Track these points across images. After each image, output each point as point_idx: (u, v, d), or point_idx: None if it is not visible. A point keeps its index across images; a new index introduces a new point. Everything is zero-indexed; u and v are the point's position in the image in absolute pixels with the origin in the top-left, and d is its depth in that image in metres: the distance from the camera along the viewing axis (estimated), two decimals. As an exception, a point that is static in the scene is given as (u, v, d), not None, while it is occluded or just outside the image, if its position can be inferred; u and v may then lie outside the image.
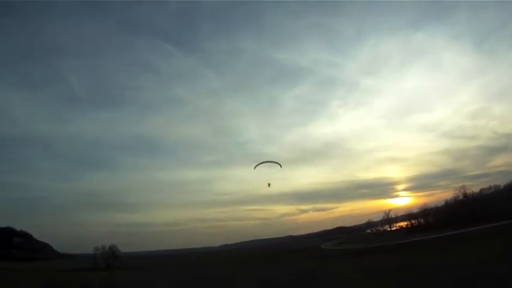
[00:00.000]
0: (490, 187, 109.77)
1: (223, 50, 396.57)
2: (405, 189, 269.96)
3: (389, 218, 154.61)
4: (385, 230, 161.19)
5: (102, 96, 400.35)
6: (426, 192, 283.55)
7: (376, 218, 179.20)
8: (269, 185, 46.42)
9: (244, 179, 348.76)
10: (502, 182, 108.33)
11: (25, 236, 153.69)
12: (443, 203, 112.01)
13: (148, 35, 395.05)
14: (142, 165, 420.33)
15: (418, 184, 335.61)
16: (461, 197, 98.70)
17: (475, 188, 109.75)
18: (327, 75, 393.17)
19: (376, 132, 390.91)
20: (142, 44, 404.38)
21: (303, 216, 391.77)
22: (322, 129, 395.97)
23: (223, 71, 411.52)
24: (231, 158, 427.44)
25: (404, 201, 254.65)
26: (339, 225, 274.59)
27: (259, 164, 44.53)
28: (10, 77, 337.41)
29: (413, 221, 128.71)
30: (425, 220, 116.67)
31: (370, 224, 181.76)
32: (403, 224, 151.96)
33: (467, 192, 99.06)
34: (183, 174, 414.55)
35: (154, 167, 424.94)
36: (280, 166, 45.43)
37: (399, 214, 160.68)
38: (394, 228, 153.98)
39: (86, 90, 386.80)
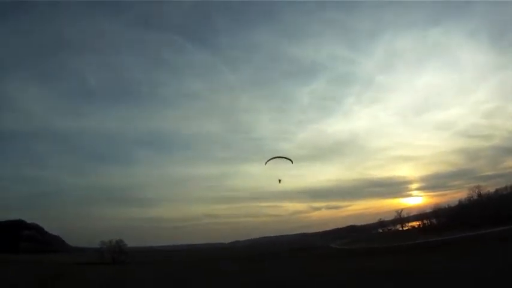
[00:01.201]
0: (506, 187, 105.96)
1: (238, 46, 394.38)
2: (418, 189, 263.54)
3: (401, 218, 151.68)
4: (397, 229, 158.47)
5: (118, 91, 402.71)
6: (439, 192, 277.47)
7: (388, 217, 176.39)
8: (279, 181, 45.57)
9: (257, 176, 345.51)
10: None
11: (35, 228, 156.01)
12: (456, 203, 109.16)
13: (164, 31, 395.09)
14: (156, 160, 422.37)
15: (431, 183, 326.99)
16: (475, 197, 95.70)
17: (489, 188, 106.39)
18: (342, 72, 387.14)
19: (390, 130, 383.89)
20: (158, 40, 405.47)
21: (316, 213, 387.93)
22: (337, 126, 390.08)
23: (238, 66, 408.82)
24: (245, 154, 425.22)
25: (417, 200, 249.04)
26: (351, 224, 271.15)
27: (270, 159, 43.74)
28: (26, 72, 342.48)
29: (425, 221, 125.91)
30: (438, 220, 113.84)
31: (382, 223, 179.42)
32: (416, 223, 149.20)
33: (481, 192, 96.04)
34: (197, 170, 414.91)
35: (168, 162, 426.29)
36: (292, 162, 44.56)
37: (411, 214, 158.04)
38: (406, 228, 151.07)
39: (102, 85, 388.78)
